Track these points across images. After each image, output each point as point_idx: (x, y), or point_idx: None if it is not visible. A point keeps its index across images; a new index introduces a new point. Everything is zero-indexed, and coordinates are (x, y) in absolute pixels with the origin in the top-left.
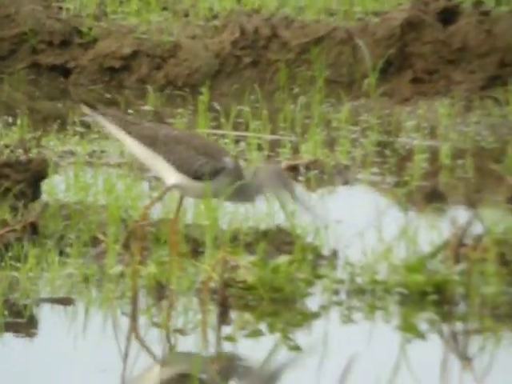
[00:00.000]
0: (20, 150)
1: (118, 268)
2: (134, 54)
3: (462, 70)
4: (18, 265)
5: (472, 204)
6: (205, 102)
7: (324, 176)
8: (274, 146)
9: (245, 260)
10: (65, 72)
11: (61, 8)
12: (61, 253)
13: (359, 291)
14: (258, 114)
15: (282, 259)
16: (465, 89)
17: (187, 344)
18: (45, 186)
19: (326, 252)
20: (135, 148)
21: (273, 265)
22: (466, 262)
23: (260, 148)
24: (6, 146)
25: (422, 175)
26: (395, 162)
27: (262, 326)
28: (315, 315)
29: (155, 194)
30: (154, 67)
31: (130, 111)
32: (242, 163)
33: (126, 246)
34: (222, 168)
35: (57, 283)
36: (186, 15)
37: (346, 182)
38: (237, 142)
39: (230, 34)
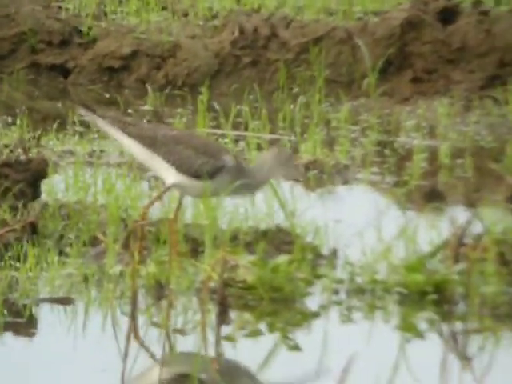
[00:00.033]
0: (19, 150)
1: (118, 268)
2: (134, 54)
3: (462, 70)
4: (18, 264)
5: (471, 203)
6: (204, 102)
7: (323, 176)
8: (274, 145)
9: (244, 260)
10: (64, 72)
11: (60, 8)
12: (60, 252)
13: (359, 291)
14: (258, 113)
15: (282, 259)
16: (464, 88)
17: (187, 344)
18: (44, 185)
19: (325, 252)
20: (134, 149)
21: (272, 264)
22: (465, 261)
23: (259, 148)
24: (6, 146)
25: (421, 175)
26: (395, 162)
27: (262, 326)
28: (315, 315)
29: (155, 194)
30: (153, 67)
31: (129, 111)
32: (242, 160)
33: (126, 246)
34: (221, 167)
35: (56, 283)
36: (186, 15)
37: (345, 182)
38: (236, 141)
39: (229, 34)
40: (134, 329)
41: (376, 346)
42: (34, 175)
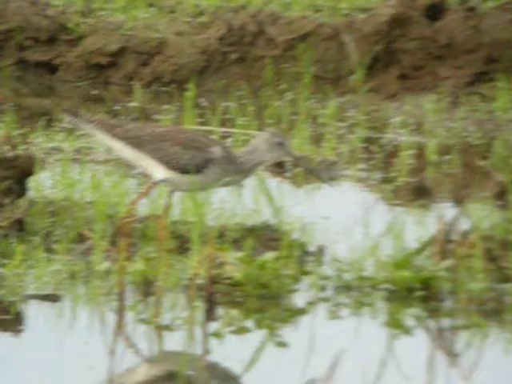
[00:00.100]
0: (7, 147)
1: (105, 264)
2: (121, 51)
3: (449, 66)
4: (5, 261)
5: (459, 200)
6: (191, 98)
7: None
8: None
9: (232, 256)
10: (51, 68)
11: (47, 5)
12: (48, 249)
13: (346, 287)
14: (245, 110)
15: (269, 255)
16: (451, 85)
17: (174, 340)
18: (31, 182)
19: (312, 248)
20: (122, 150)
21: (259, 261)
22: (452, 258)
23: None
24: None
25: (408, 171)
26: (382, 158)
27: (249, 323)
28: (302, 311)
29: (142, 190)
30: (140, 63)
31: (116, 107)
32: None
33: (113, 243)
34: (210, 159)
35: (44, 280)
36: (173, 12)
37: (332, 178)
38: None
39: (216, 31)
40: (121, 325)
41: (363, 343)
42: (21, 172)
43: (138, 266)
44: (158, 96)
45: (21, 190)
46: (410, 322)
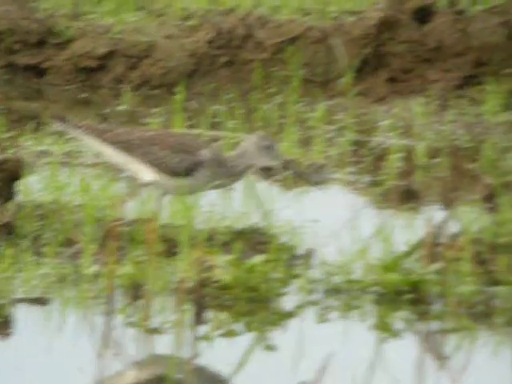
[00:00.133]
0: None
1: (94, 268)
2: (110, 54)
3: (438, 69)
4: None
5: (447, 203)
6: (180, 102)
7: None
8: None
9: (220, 259)
10: (40, 72)
11: (36, 8)
12: (36, 253)
13: (335, 290)
14: (234, 113)
15: (258, 259)
16: (440, 88)
17: (163, 343)
18: (20, 185)
19: (301, 251)
20: (112, 155)
21: (248, 264)
22: (441, 261)
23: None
24: None
25: (397, 174)
26: (371, 162)
27: (238, 326)
28: (291, 315)
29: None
30: (129, 67)
31: (105, 111)
32: (220, 151)
33: (102, 246)
34: (199, 162)
35: (32, 283)
36: (162, 15)
37: (321, 182)
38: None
39: (205, 34)
40: (110, 329)
41: (352, 346)
42: (10, 175)
43: (126, 269)
44: (146, 99)
45: (9, 194)
46: (398, 324)
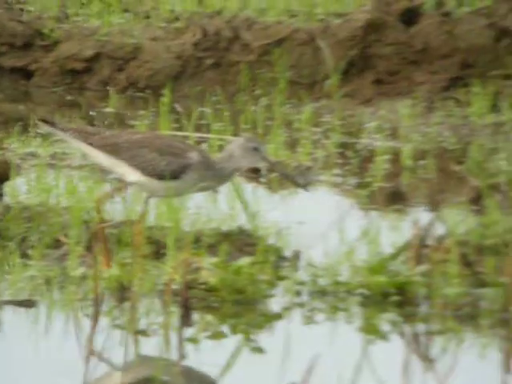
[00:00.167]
0: None
1: (81, 270)
2: (96, 56)
3: (424, 71)
4: None
5: (434, 205)
6: (166, 104)
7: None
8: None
9: (207, 261)
10: (27, 74)
11: (22, 10)
12: (23, 255)
13: (321, 292)
14: (220, 115)
15: (244, 261)
16: (427, 90)
17: (150, 345)
18: (7, 187)
19: (288, 253)
20: (100, 158)
21: (235, 266)
22: (428, 263)
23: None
24: None
25: (384, 176)
26: (357, 163)
27: (225, 328)
28: (277, 316)
29: (118, 196)
30: (115, 69)
31: (91, 113)
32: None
33: (89, 248)
34: (187, 165)
35: (19, 285)
36: (148, 17)
37: (308, 184)
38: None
39: (191, 36)
40: (96, 331)
41: (339, 348)
42: None
43: (113, 271)
44: (133, 101)
45: None
46: (385, 326)
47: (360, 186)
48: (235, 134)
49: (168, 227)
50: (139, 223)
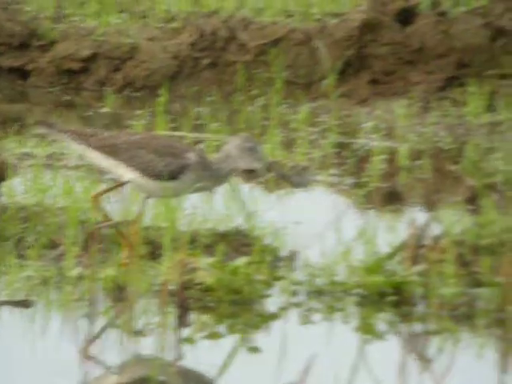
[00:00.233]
0: None
1: (77, 270)
2: (93, 56)
3: (420, 71)
4: None
5: (430, 205)
6: (163, 104)
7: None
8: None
9: (203, 262)
10: (23, 74)
11: (19, 10)
12: (19, 255)
13: (318, 292)
14: (217, 115)
15: (241, 261)
16: (423, 89)
17: (146, 346)
18: (3, 188)
19: (284, 253)
20: (98, 159)
21: (231, 266)
22: (424, 262)
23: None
24: None
25: (380, 176)
26: (354, 163)
27: (221, 328)
28: (274, 317)
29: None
30: (112, 69)
31: (88, 113)
32: (206, 154)
33: (85, 248)
34: (186, 165)
35: (15, 286)
36: (144, 17)
37: (304, 184)
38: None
39: (188, 36)
40: (93, 331)
41: (335, 348)
42: None
43: (109, 271)
44: (129, 101)
45: None
46: (381, 326)
47: (356, 185)
48: (232, 134)
49: (164, 227)
50: (135, 223)
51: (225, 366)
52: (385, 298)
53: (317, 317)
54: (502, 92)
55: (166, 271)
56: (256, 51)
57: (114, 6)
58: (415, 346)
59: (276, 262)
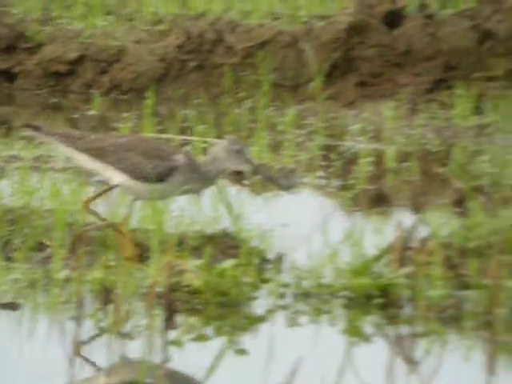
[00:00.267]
0: None
1: (64, 273)
2: (80, 59)
3: (407, 73)
4: None
5: (417, 207)
6: (150, 106)
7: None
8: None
9: (191, 264)
10: (10, 76)
11: (6, 13)
12: (6, 258)
13: (305, 295)
14: (204, 117)
15: (228, 263)
16: (410, 92)
17: (134, 348)
18: None
19: (271, 256)
20: (86, 162)
21: (219, 269)
22: (411, 265)
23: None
24: None
25: (367, 178)
26: (341, 166)
27: (209, 330)
28: (261, 319)
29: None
30: (99, 72)
31: (75, 115)
32: (194, 157)
33: (72, 251)
34: (174, 167)
35: (3, 288)
36: (131, 20)
37: (291, 186)
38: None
39: (175, 39)
40: (80, 334)
41: (322, 350)
42: None
43: (97, 273)
44: (116, 104)
45: None
46: (368, 329)
47: (343, 188)
48: (219, 137)
49: (151, 230)
50: (123, 226)
51: (212, 369)
52: (372, 300)
53: (304, 319)
54: (490, 94)
55: (154, 273)
56: (243, 54)
57: (101, 8)
58: (402, 348)
59: (263, 264)
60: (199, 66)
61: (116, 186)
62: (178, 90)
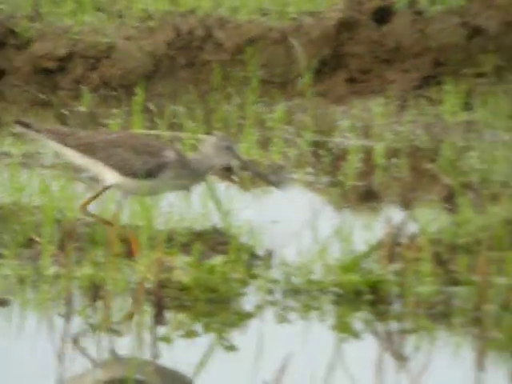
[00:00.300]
0: None
1: (53, 269)
2: (69, 55)
3: (397, 70)
4: None
5: (406, 203)
6: (139, 103)
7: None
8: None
9: (180, 260)
10: None
11: None
12: None
13: (294, 291)
14: (193, 114)
15: (217, 259)
16: (399, 88)
17: (123, 345)
18: None
19: (260, 252)
20: (76, 158)
21: (208, 265)
22: (400, 261)
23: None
24: None
25: (356, 175)
26: (330, 162)
27: (198, 327)
28: (250, 315)
29: (91, 194)
30: (88, 68)
31: (64, 112)
32: (184, 153)
33: (61, 247)
34: (164, 163)
35: None
36: (121, 16)
37: (280, 182)
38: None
39: (164, 35)
40: (69, 330)
41: (312, 346)
42: None
43: (86, 270)
44: (106, 100)
45: None
46: (358, 325)
47: (332, 184)
48: (208, 133)
49: (141, 226)
50: (113, 222)
51: (201, 365)
52: (361, 296)
53: (293, 315)
54: (478, 91)
55: (143, 270)
56: (232, 50)
57: (91, 4)
58: (391, 344)
59: (252, 260)
60: (188, 62)
61: (110, 186)
62: (167, 86)
